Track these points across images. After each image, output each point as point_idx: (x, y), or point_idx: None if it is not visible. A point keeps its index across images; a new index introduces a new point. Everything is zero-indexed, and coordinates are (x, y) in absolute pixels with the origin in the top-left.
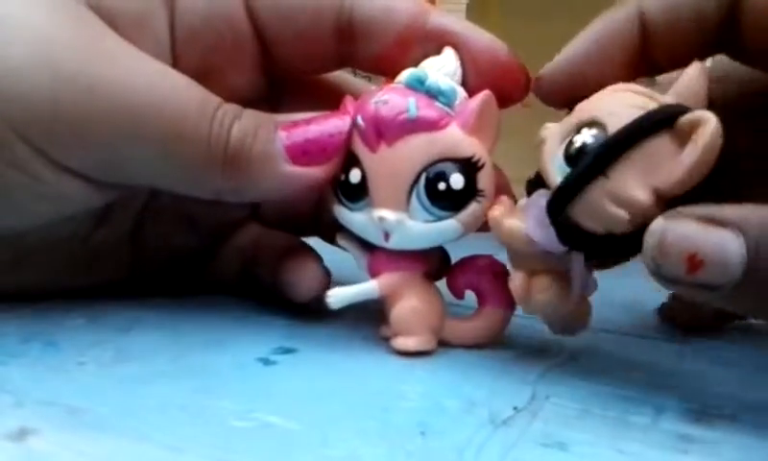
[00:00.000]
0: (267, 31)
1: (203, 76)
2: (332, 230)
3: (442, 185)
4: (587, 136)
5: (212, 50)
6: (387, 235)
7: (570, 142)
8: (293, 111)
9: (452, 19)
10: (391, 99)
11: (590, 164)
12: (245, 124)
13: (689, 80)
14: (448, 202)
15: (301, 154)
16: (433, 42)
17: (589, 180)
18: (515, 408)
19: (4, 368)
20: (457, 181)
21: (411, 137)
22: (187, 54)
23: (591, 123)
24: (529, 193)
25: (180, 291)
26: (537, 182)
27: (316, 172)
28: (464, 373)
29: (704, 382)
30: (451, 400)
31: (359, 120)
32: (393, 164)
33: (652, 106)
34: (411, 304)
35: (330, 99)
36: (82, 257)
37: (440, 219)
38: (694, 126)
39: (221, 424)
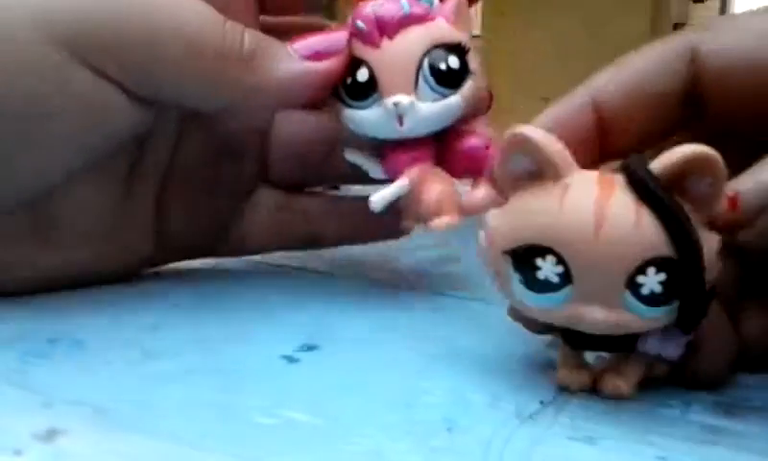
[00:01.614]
0: None
1: None
2: (341, 179)
3: (443, 66)
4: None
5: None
6: (401, 120)
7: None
8: None
9: None
10: (385, 3)
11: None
12: (254, 33)
13: None
14: (450, 80)
15: (313, 55)
16: None
17: (703, 279)
18: (541, 402)
19: (32, 368)
20: (454, 61)
21: (408, 30)
22: None
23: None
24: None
25: (204, 287)
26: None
27: (327, 64)
28: (488, 367)
29: (733, 375)
30: (476, 394)
31: (360, 24)
32: (397, 54)
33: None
34: (439, 188)
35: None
36: (107, 229)
37: (444, 96)
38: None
39: (246, 421)
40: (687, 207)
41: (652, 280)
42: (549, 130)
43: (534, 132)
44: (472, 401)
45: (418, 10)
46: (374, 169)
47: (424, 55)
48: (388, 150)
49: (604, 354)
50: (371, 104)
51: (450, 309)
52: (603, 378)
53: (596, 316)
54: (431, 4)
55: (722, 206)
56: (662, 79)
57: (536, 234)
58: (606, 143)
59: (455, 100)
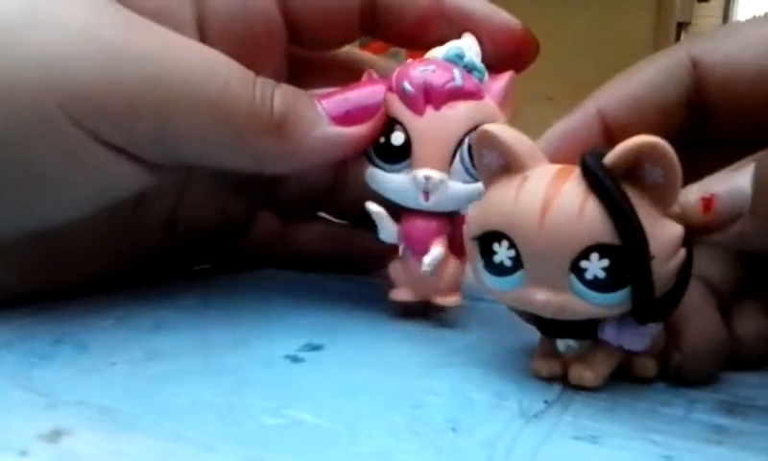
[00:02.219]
0: (295, 16)
1: None
2: (346, 207)
3: None
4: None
5: (244, 43)
6: (427, 195)
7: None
8: (309, 89)
9: None
10: (438, 69)
11: (639, 267)
12: (284, 92)
13: None
14: None
15: (344, 115)
16: (452, 21)
17: (648, 267)
18: (545, 402)
19: (36, 370)
20: None
21: (455, 104)
22: (217, 47)
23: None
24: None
25: (207, 288)
26: None
27: (361, 130)
28: (491, 367)
29: (737, 374)
30: (480, 394)
31: (407, 85)
32: (439, 127)
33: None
34: (454, 265)
35: (339, 73)
36: (116, 250)
37: (476, 180)
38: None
39: (252, 421)
40: (643, 197)
41: (595, 266)
42: (558, 141)
43: (500, 129)
44: (477, 401)
45: (469, 85)
46: (388, 231)
47: (467, 133)
48: (406, 215)
49: (572, 344)
50: (400, 169)
51: (454, 309)
52: (570, 367)
53: (541, 298)
54: (482, 79)
55: (696, 207)
56: (666, 89)
57: (494, 221)
58: None
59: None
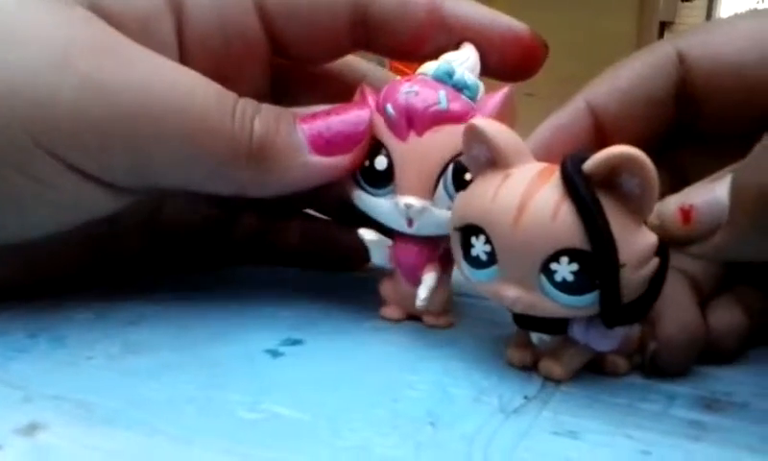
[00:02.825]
0: (279, 32)
1: (212, 78)
2: (329, 204)
3: (468, 176)
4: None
5: (222, 56)
6: (410, 221)
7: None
8: (298, 103)
9: (467, 6)
10: (421, 91)
11: (607, 271)
12: (265, 117)
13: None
14: None
15: (325, 144)
16: (451, 32)
17: (616, 274)
18: (525, 397)
19: (12, 363)
20: None
21: (440, 128)
22: (196, 59)
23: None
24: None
25: (186, 282)
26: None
27: (341, 161)
28: (471, 361)
29: (715, 370)
30: (460, 389)
31: (389, 109)
32: (422, 153)
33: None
34: (446, 288)
35: (334, 87)
36: (91, 249)
37: None
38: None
39: (230, 415)
40: (619, 206)
41: (564, 269)
42: (549, 136)
43: (487, 123)
44: (456, 396)
45: (456, 107)
46: (379, 256)
47: (452, 159)
48: (398, 239)
49: (545, 337)
50: (385, 194)
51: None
52: (541, 360)
53: (511, 294)
54: (475, 94)
55: (675, 217)
56: (654, 82)
57: (473, 215)
58: (605, 145)
59: None
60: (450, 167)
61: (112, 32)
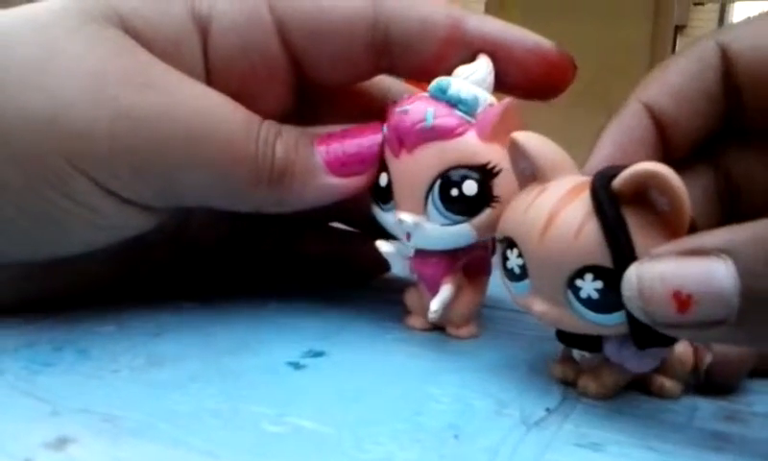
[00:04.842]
0: (300, 54)
1: (237, 97)
2: (355, 217)
3: (454, 191)
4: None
5: (246, 77)
6: (408, 235)
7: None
8: (324, 122)
9: (491, 23)
10: (412, 108)
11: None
12: (286, 140)
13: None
14: (462, 207)
15: (340, 165)
16: (473, 49)
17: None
18: (547, 409)
19: (39, 377)
20: (470, 187)
21: (428, 145)
22: (221, 81)
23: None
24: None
25: (208, 293)
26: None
27: (355, 182)
28: (492, 373)
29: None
30: (482, 401)
31: (384, 128)
32: (412, 170)
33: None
34: (468, 299)
35: (360, 105)
36: (126, 259)
37: (455, 223)
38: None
39: (254, 428)
40: (649, 223)
41: (589, 286)
42: (613, 142)
43: (527, 137)
44: (478, 408)
45: (443, 122)
46: (399, 267)
47: (439, 175)
48: (418, 250)
49: (586, 354)
50: (389, 209)
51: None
52: (580, 377)
53: (540, 308)
54: (471, 108)
55: (668, 303)
56: (704, 74)
57: (508, 227)
58: (667, 144)
59: (465, 229)
60: (437, 184)
61: (143, 56)
